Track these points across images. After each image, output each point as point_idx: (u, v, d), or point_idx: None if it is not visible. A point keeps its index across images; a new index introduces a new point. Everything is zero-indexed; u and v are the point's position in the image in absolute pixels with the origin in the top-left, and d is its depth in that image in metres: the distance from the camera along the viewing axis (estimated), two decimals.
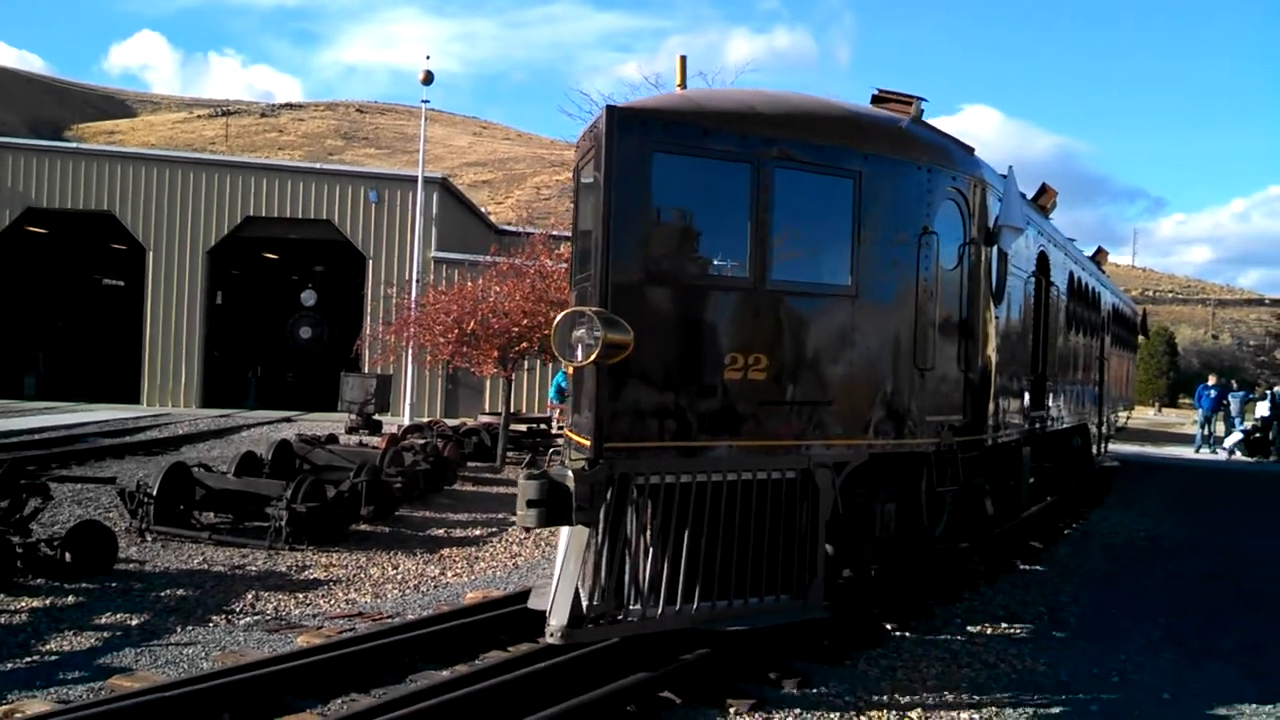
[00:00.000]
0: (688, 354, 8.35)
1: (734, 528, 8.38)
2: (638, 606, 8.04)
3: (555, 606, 7.83)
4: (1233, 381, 39.74)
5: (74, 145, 47.13)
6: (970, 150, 10.67)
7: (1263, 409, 34.15)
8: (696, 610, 8.24)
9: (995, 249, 10.89)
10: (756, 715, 7.67)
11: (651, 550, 8.23)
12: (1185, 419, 46.15)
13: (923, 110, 10.45)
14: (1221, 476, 27.23)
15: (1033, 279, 13.16)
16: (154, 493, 13.62)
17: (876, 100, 10.67)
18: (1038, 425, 13.91)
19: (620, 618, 7.99)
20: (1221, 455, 34.00)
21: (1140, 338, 34.57)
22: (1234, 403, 36.41)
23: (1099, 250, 23.62)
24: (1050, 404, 14.84)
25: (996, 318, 11.19)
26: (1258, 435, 33.68)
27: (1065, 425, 16.62)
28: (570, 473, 7.76)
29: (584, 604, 7.81)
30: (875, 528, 9.91)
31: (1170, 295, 63.52)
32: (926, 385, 9.74)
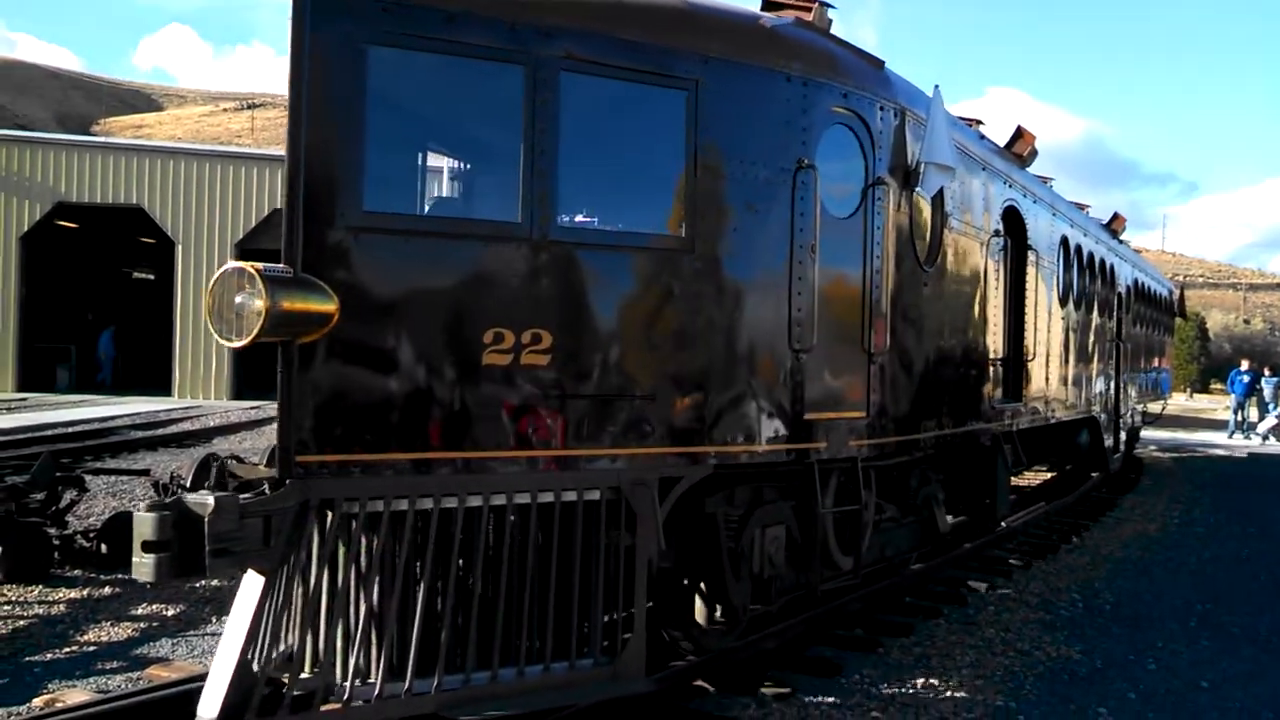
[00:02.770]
0: (425, 329, 5.38)
1: (504, 570, 5.47)
2: (348, 684, 5.14)
3: (208, 691, 4.97)
4: (1266, 367, 35.76)
5: (103, 140, 45.38)
6: (877, 64, 7.50)
7: None
8: (439, 688, 5.30)
9: (917, 194, 7.72)
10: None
11: (375, 604, 5.31)
12: (1217, 404, 42.39)
13: (830, 21, 7.35)
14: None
15: (998, 239, 9.87)
16: (187, 484, 11.33)
17: (768, 5, 7.59)
18: (1010, 420, 10.60)
19: (319, 704, 5.09)
20: (1255, 441, 30.74)
21: (1178, 319, 30.10)
22: (1268, 388, 32.82)
23: (1115, 217, 19.13)
24: (1034, 394, 11.47)
25: (926, 284, 8.01)
26: None
27: (1060, 418, 13.14)
28: (212, 500, 4.86)
29: (255, 688, 4.94)
30: (752, 560, 6.87)
31: (1201, 280, 58.68)
32: (807, 373, 6.65)
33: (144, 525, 4.80)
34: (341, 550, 5.30)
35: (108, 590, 9.49)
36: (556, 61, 5.59)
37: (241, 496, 5.01)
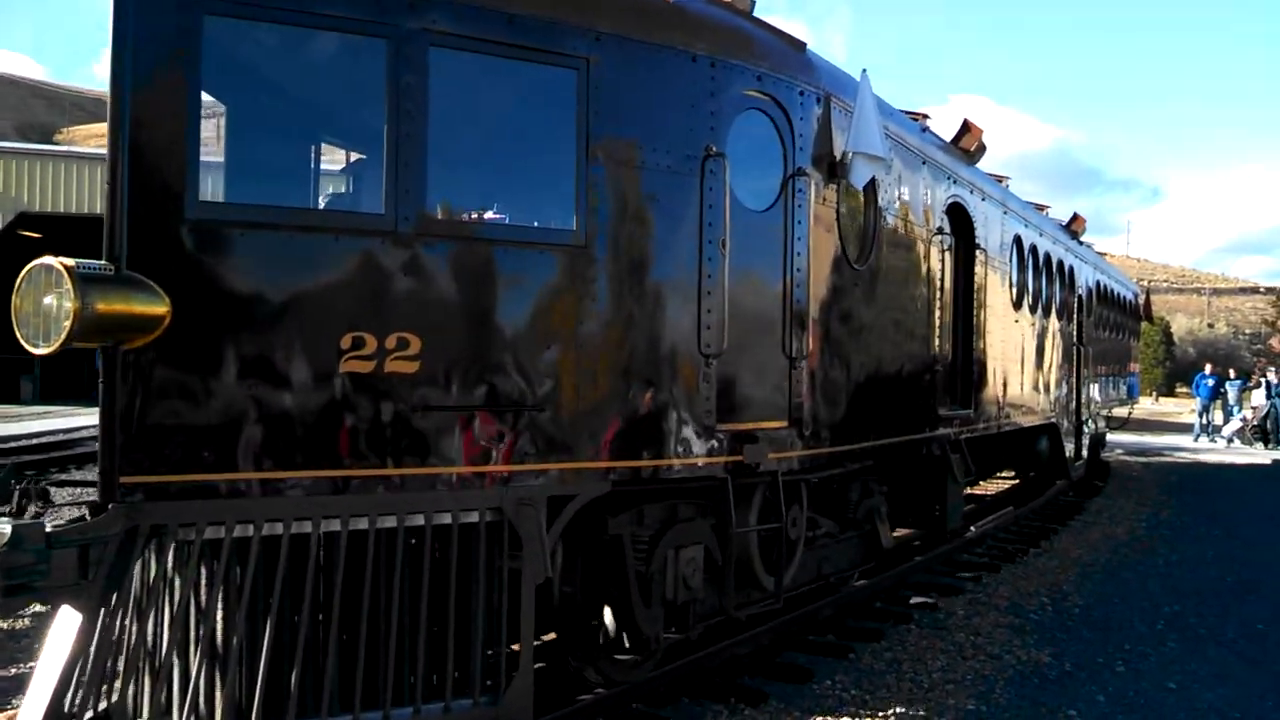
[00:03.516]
0: (273, 333, 4.69)
1: (366, 602, 4.77)
2: None
3: None
4: (1230, 370, 35.36)
5: (66, 149, 44.36)
6: (798, 45, 6.84)
7: (1259, 397, 30.38)
8: None
9: (846, 187, 7.06)
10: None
11: (216, 642, 4.61)
12: (1183, 408, 42.06)
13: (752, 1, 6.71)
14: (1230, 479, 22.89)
15: (941, 236, 9.21)
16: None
17: None
18: (959, 428, 9.92)
19: None
20: (1220, 444, 30.31)
21: (1143, 323, 29.31)
22: (1231, 391, 32.39)
23: (1075, 218, 18.21)
24: (986, 401, 10.80)
25: (858, 284, 7.35)
26: (1259, 423, 29.91)
27: (1016, 426, 12.46)
28: (8, 528, 4.15)
29: None
30: (665, 584, 6.18)
31: (1165, 285, 58.24)
32: (718, 380, 5.98)
33: None
34: (178, 582, 4.59)
35: None
36: (425, 36, 4.92)
37: (51, 524, 4.29)
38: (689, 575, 6.26)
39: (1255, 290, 61.05)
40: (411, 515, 4.92)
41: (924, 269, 8.72)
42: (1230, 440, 30.41)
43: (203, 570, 4.58)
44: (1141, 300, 26.83)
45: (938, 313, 9.11)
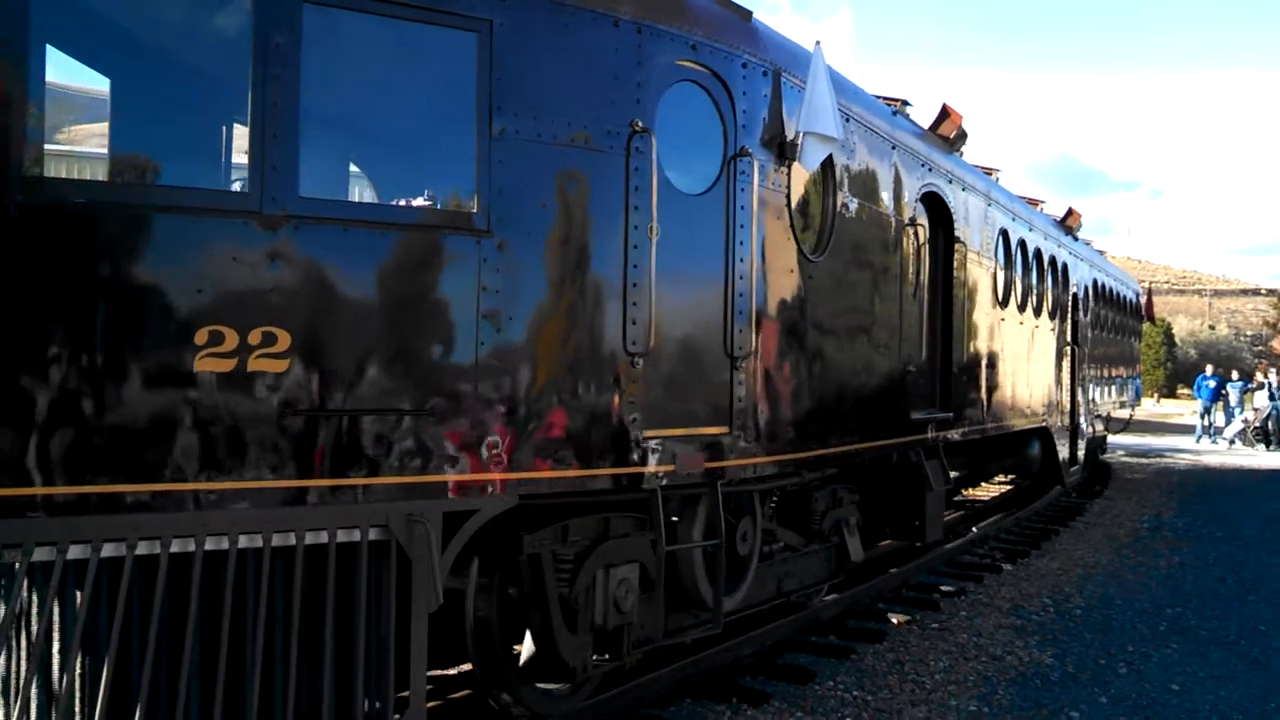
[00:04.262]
0: (114, 327, 4.03)
1: (224, 635, 4.11)
2: None
3: None
4: (1232, 372, 34.44)
5: None
6: (742, 14, 6.12)
7: (1261, 399, 29.52)
8: None
9: (798, 171, 6.34)
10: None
11: (41, 681, 3.95)
12: (1184, 409, 41.18)
13: None
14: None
15: (915, 228, 8.47)
16: None
17: None
18: (937, 433, 9.18)
19: None
20: (1222, 445, 29.48)
21: (1145, 323, 28.25)
22: (1233, 392, 31.49)
23: (1070, 213, 17.10)
24: (967, 403, 10.04)
25: (813, 276, 6.63)
26: (1261, 424, 29.15)
27: (1003, 429, 11.69)
28: None
29: None
30: (593, 608, 5.48)
31: (1166, 286, 57.02)
32: (645, 381, 5.28)
33: None
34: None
35: None
36: None
37: None
38: (621, 597, 5.57)
39: (1257, 292, 59.82)
40: (279, 534, 4.24)
41: (894, 262, 7.99)
42: (1232, 442, 29.62)
43: (24, 597, 3.91)
44: (1143, 300, 25.90)
45: (911, 309, 8.38)
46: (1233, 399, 31.28)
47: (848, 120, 7.11)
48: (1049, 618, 8.81)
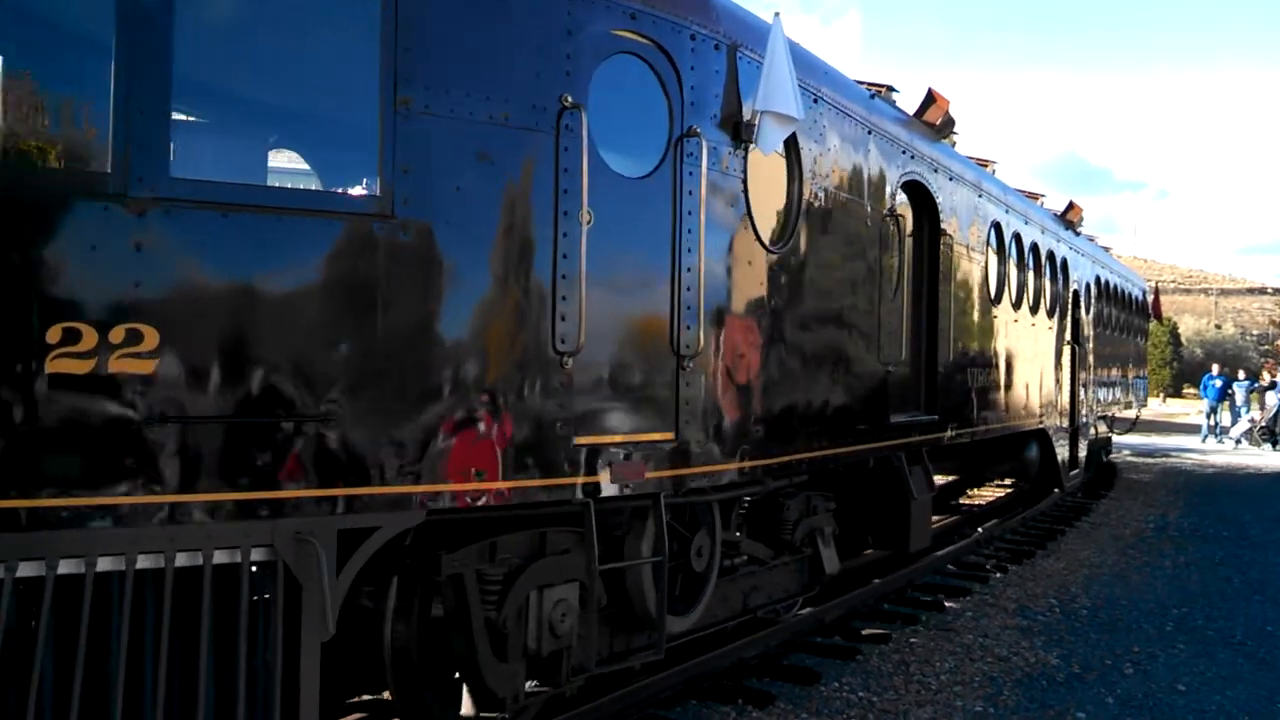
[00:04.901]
0: None
1: (77, 670, 3.58)
2: None
3: None
4: (1238, 371, 33.79)
5: None
6: None
7: (1270, 398, 28.92)
8: None
9: (756, 154, 5.77)
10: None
11: None
12: (1190, 409, 40.62)
13: None
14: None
15: (895, 220, 7.87)
16: None
17: None
18: (922, 436, 8.58)
19: None
20: (1229, 445, 28.85)
21: (1152, 322, 27.39)
22: (1240, 392, 30.90)
23: (1070, 207, 16.22)
24: (955, 405, 9.42)
25: (774, 268, 6.06)
26: (1268, 424, 28.53)
27: (996, 432, 11.06)
28: None
29: None
30: (525, 632, 4.93)
31: (1173, 285, 56.15)
32: (577, 383, 4.72)
33: None
34: None
35: None
36: None
37: None
38: (557, 620, 5.01)
39: (1263, 291, 58.97)
40: (145, 555, 3.71)
41: (871, 256, 7.41)
42: (1238, 441, 29.01)
43: None
44: (1150, 298, 25.12)
45: (891, 306, 7.80)
46: (1239, 398, 30.83)
47: (816, 101, 6.54)
48: (1055, 618, 8.71)
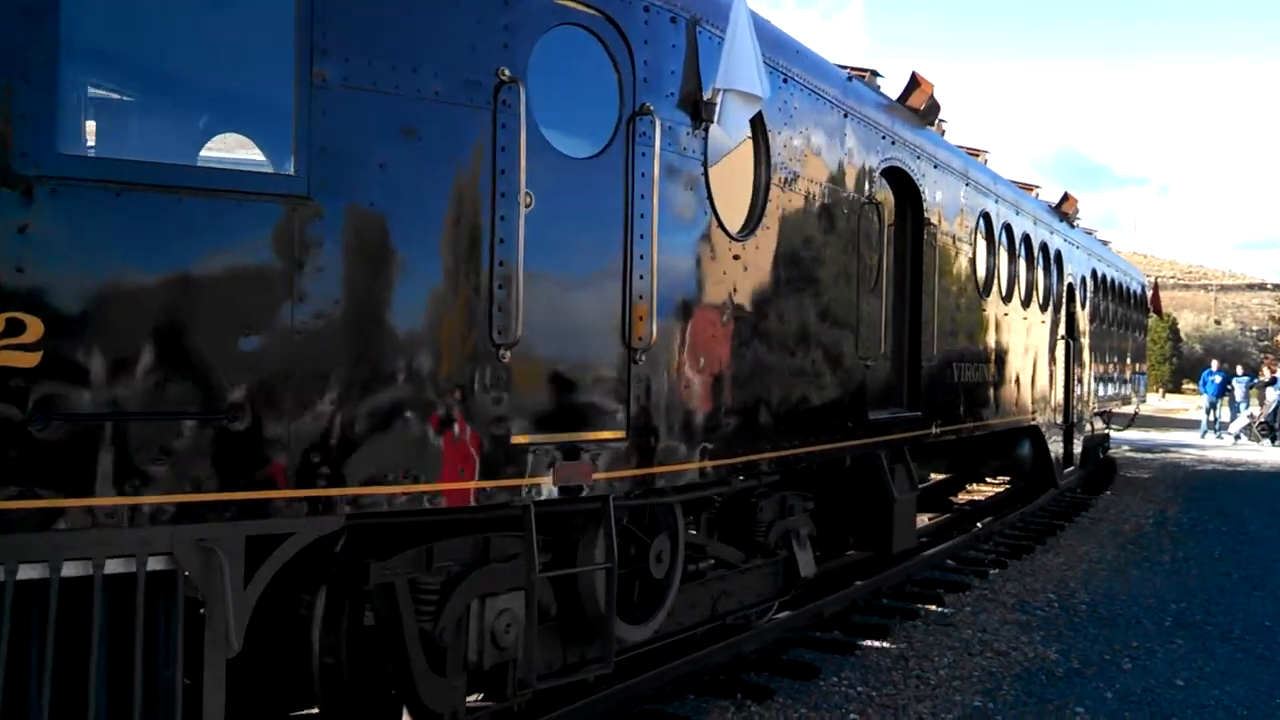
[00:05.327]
0: None
1: None
2: None
3: None
4: (1237, 366, 33.47)
5: None
6: None
7: (1270, 394, 28.48)
8: None
9: (717, 136, 5.41)
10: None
11: None
12: (1190, 404, 40.47)
13: None
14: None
15: (874, 208, 7.50)
16: None
17: None
18: (903, 433, 8.21)
19: None
20: (1228, 440, 28.52)
21: (1151, 316, 26.87)
22: (1239, 387, 30.63)
23: (1065, 198, 15.76)
24: (939, 401, 9.03)
25: (738, 256, 5.70)
26: (1267, 419, 28.22)
27: (984, 430, 10.62)
28: None
29: None
30: (466, 645, 4.59)
31: (1172, 281, 55.84)
32: (516, 377, 4.37)
33: None
34: None
35: None
36: None
37: None
38: (501, 631, 4.67)
39: (1263, 287, 58.67)
40: (26, 565, 3.37)
41: (846, 245, 7.05)
42: (1237, 437, 28.70)
43: None
44: (1150, 293, 24.67)
45: (870, 298, 7.44)
46: (1238, 394, 30.58)
47: (786, 82, 6.19)
48: (1054, 613, 8.67)
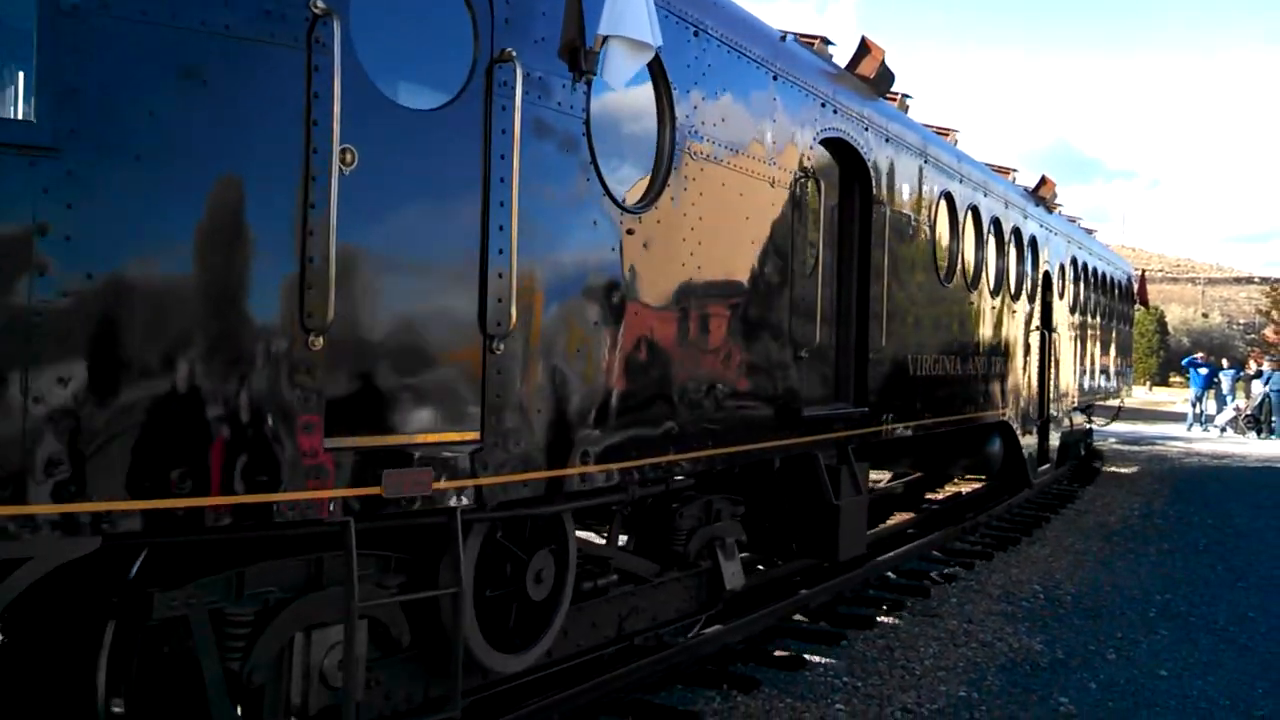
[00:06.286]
0: None
1: None
2: None
3: None
4: (1223, 360, 32.97)
5: None
6: None
7: (1257, 387, 28.16)
8: None
9: (606, 90, 4.66)
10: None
11: None
12: (1177, 397, 39.96)
13: None
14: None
15: (811, 182, 6.73)
16: None
17: None
18: (846, 430, 7.45)
19: None
20: (1214, 433, 28.12)
21: (1137, 308, 25.99)
22: (1225, 381, 30.14)
23: (1043, 181, 14.84)
24: (890, 396, 8.24)
25: (634, 233, 4.94)
26: (1252, 412, 27.85)
27: (944, 426, 9.83)
28: None
29: None
30: (288, 686, 3.87)
31: (1160, 274, 55.13)
32: (334, 369, 3.63)
33: None
34: None
35: None
36: None
37: None
38: (332, 669, 3.93)
39: (1250, 280, 58.00)
40: None
41: (774, 222, 6.29)
42: (1223, 430, 28.28)
43: None
44: (1136, 283, 23.90)
45: (805, 281, 6.69)
46: (1225, 386, 30.20)
47: (698, 34, 5.44)
48: (1039, 604, 8.72)
